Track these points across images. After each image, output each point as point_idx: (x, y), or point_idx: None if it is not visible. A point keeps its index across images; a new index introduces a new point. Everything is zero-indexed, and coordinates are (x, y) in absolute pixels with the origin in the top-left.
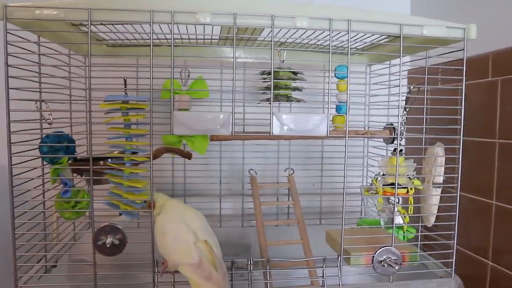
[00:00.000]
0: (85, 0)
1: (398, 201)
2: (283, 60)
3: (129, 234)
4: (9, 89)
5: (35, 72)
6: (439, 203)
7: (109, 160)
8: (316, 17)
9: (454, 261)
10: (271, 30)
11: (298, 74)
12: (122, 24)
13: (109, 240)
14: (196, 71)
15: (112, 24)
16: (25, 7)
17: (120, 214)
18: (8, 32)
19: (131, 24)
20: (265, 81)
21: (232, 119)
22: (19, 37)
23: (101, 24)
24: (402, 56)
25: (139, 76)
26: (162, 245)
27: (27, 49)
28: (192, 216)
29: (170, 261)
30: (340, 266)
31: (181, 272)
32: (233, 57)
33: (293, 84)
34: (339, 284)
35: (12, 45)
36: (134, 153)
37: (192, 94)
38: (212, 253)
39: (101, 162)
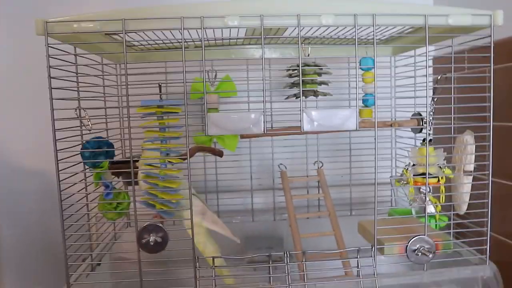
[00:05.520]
0: (119, 11)
1: (430, 191)
2: (308, 54)
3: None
4: (53, 100)
5: (74, 81)
6: (471, 190)
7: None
8: (341, 14)
9: (488, 248)
10: (297, 28)
11: (323, 68)
12: (152, 31)
13: (152, 238)
14: (223, 70)
15: (143, 32)
16: (63, 22)
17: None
18: (50, 46)
19: (161, 30)
20: (292, 77)
21: (264, 117)
22: (59, 49)
23: (133, 32)
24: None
25: (167, 78)
26: None
27: (66, 61)
28: None
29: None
30: (374, 256)
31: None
32: (262, 58)
33: (319, 79)
34: (374, 274)
35: (53, 58)
36: (167, 154)
37: (221, 93)
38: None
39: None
